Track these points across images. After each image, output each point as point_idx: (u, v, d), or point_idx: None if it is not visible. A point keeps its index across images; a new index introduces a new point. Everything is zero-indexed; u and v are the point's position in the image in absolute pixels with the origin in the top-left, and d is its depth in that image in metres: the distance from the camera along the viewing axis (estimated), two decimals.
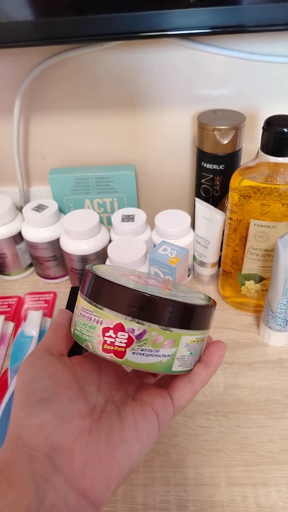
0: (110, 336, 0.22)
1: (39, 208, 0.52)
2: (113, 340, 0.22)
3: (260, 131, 0.39)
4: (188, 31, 0.40)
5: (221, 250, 0.50)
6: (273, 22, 0.39)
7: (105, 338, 0.22)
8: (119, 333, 0.22)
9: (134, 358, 0.22)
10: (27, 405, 0.20)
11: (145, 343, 0.22)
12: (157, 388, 0.24)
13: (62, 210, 0.56)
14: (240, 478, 0.35)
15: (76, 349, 0.26)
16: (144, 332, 0.21)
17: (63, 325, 0.25)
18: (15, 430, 0.20)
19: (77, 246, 0.48)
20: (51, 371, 0.22)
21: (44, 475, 0.19)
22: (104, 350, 0.22)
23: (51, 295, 0.54)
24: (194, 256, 0.52)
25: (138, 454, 0.21)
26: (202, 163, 0.49)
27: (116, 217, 0.50)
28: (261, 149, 0.39)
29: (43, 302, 0.53)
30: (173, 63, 0.47)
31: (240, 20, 0.39)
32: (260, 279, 0.46)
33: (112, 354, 0.22)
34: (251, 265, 0.45)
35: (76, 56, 0.46)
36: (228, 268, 0.48)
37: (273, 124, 0.37)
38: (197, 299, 0.25)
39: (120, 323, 0.21)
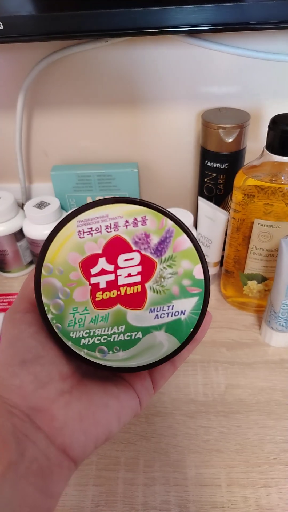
0: None
1: (41, 205, 0.51)
2: None
3: (264, 130, 0.38)
4: (193, 28, 0.39)
5: (223, 249, 0.49)
6: (279, 20, 0.39)
7: None
8: None
9: None
10: (10, 366, 0.20)
11: None
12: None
13: (63, 207, 0.56)
14: (240, 479, 0.34)
15: None
16: None
17: None
18: None
19: None
20: (35, 330, 0.21)
21: (23, 431, 0.19)
22: None
23: None
24: None
25: (117, 423, 0.21)
26: (206, 161, 0.48)
27: None
28: (266, 148, 0.39)
29: None
30: (178, 60, 0.46)
31: (245, 17, 0.39)
32: (263, 279, 0.46)
33: None
34: (253, 265, 0.45)
35: (80, 52, 0.45)
36: (231, 268, 0.48)
37: (279, 122, 0.36)
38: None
39: None
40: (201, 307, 0.21)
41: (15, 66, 0.47)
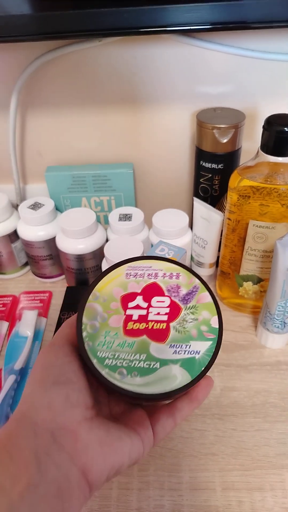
0: None
1: (35, 206, 0.51)
2: None
3: (260, 130, 0.38)
4: (188, 27, 0.39)
5: (219, 250, 0.49)
6: (275, 19, 0.39)
7: None
8: None
9: None
10: (42, 385, 0.21)
11: None
12: (141, 415, 0.25)
13: (58, 209, 0.55)
14: (235, 483, 0.34)
15: None
16: None
17: None
18: (25, 406, 0.21)
19: (73, 245, 0.48)
20: (70, 360, 0.23)
21: (46, 450, 0.20)
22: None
23: (47, 294, 0.53)
24: (191, 256, 0.52)
25: (128, 459, 0.22)
26: (201, 162, 0.48)
27: (113, 216, 0.49)
28: (261, 148, 0.38)
29: (38, 301, 0.52)
30: (173, 59, 0.46)
31: (241, 16, 0.39)
32: (258, 280, 0.45)
33: None
34: (249, 266, 0.44)
35: (73, 51, 0.45)
36: (226, 269, 0.47)
37: (273, 123, 0.36)
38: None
39: None
40: (214, 350, 0.24)
41: (8, 66, 0.47)
